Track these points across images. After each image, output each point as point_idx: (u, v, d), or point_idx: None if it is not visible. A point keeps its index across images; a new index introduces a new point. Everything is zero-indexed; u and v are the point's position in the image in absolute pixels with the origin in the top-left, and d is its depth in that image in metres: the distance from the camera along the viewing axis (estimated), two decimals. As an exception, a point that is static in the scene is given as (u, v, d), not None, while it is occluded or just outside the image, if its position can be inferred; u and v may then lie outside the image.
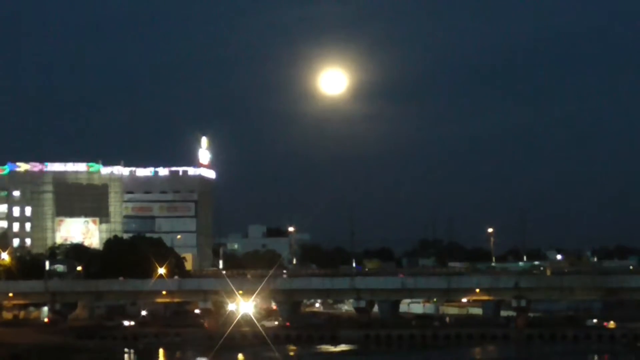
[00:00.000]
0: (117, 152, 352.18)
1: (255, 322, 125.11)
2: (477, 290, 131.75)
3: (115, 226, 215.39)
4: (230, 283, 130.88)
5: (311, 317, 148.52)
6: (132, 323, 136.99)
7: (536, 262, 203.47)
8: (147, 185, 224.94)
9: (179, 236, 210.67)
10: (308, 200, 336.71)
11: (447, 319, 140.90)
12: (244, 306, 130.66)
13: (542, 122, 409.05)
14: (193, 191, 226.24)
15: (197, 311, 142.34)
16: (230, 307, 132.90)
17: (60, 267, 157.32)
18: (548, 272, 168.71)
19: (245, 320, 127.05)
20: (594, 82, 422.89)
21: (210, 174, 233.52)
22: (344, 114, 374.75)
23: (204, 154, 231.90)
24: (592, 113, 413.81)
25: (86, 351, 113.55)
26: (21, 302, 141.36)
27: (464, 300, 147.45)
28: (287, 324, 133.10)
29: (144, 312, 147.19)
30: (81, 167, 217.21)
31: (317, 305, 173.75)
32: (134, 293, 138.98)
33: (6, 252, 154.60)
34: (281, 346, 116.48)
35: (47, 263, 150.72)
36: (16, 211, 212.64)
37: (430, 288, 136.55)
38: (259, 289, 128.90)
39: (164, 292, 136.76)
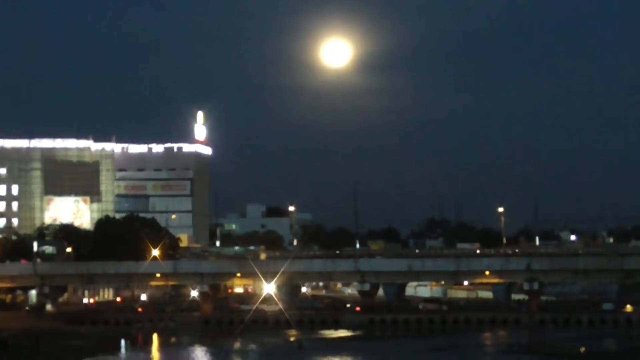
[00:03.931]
0: (109, 127, 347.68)
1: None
2: (487, 272, 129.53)
3: (107, 205, 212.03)
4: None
5: (313, 301, 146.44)
6: None
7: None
8: (140, 162, 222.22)
9: (173, 216, 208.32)
10: (309, 178, 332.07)
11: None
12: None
13: (556, 97, 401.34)
14: (189, 169, 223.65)
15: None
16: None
17: (49, 249, 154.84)
18: None
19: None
20: (611, 56, 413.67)
21: (207, 150, 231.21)
22: (348, 86, 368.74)
23: (200, 130, 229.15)
24: (609, 88, 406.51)
25: (78, 337, 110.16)
26: (8, 285, 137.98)
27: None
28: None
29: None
30: (71, 143, 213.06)
31: (305, 289, 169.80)
32: (126, 276, 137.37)
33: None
34: (281, 331, 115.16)
35: (35, 244, 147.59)
36: (2, 190, 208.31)
37: (438, 270, 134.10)
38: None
39: (158, 275, 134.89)
